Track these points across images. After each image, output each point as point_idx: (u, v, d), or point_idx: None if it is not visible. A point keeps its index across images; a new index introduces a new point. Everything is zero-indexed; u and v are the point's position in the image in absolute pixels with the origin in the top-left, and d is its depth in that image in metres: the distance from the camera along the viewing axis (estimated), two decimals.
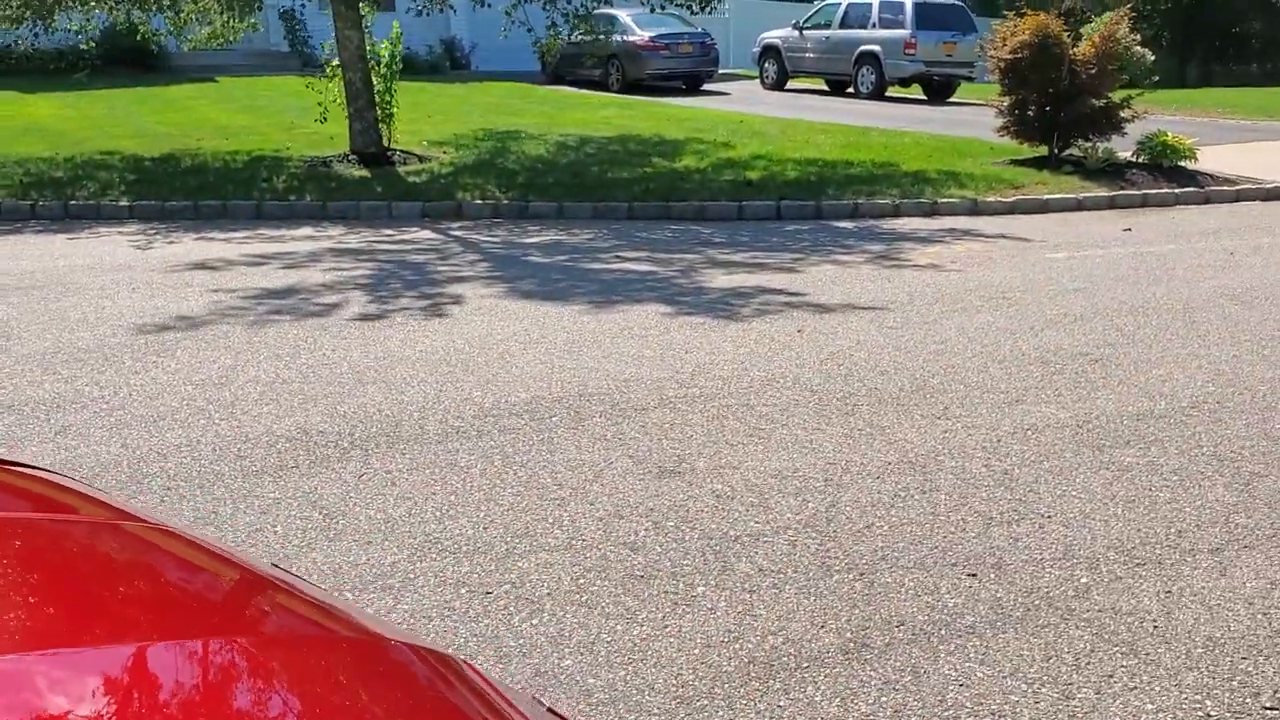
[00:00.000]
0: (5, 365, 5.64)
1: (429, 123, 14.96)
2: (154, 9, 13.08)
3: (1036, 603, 3.35)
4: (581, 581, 3.42)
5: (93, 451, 4.49)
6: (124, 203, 10.56)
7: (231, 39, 14.83)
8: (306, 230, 9.77)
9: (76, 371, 5.56)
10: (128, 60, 20.02)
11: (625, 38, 21.08)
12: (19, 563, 1.36)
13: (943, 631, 3.18)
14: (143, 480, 4.20)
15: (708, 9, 14.34)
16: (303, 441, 4.60)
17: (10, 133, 13.90)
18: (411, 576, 3.45)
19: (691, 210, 10.70)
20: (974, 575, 3.50)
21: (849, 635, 3.15)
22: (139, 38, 14.46)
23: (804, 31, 22.79)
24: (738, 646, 3.09)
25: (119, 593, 1.24)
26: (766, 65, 23.78)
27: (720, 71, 23.65)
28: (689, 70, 22.22)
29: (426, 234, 9.73)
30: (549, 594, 3.34)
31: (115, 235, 9.51)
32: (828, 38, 22.26)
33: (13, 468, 1.80)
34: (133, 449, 4.52)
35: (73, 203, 10.53)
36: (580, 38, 14.58)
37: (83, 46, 14.49)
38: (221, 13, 13.86)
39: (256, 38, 21.32)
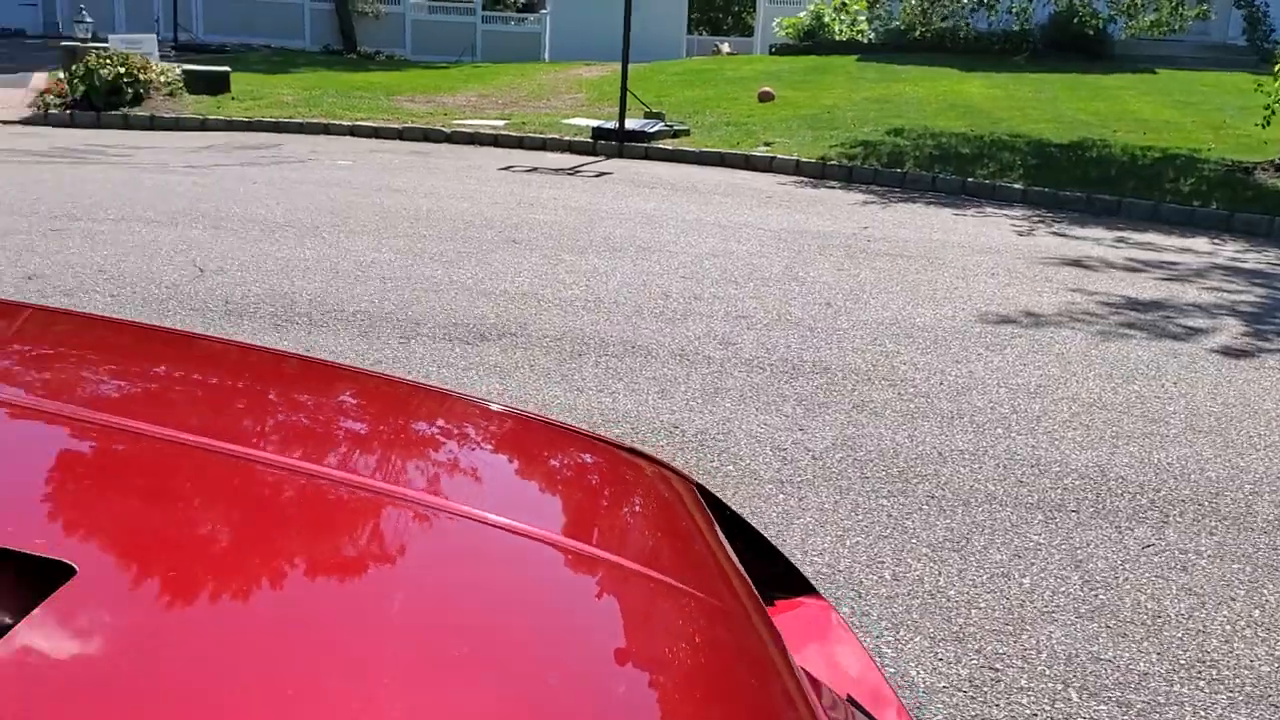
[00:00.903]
0: (843, 329, 5.73)
1: None
2: None
3: None
4: None
5: (875, 434, 4.28)
6: (1017, 186, 10.38)
7: (1177, 27, 13.83)
8: (1200, 240, 8.67)
9: (900, 347, 5.43)
10: (1070, 46, 19.83)
11: None
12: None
13: None
14: (910, 481, 3.88)
15: None
16: (1094, 483, 3.89)
17: (936, 108, 14.57)
18: None
19: None
20: None
21: None
22: (1075, 20, 14.15)
23: None
24: None
25: None
26: None
27: None
28: None
29: None
30: None
31: (999, 217, 9.37)
32: None
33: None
34: (918, 442, 4.22)
35: (969, 180, 10.63)
36: None
37: (1015, 28, 14.61)
38: None
39: (1211, 28, 19.75)
